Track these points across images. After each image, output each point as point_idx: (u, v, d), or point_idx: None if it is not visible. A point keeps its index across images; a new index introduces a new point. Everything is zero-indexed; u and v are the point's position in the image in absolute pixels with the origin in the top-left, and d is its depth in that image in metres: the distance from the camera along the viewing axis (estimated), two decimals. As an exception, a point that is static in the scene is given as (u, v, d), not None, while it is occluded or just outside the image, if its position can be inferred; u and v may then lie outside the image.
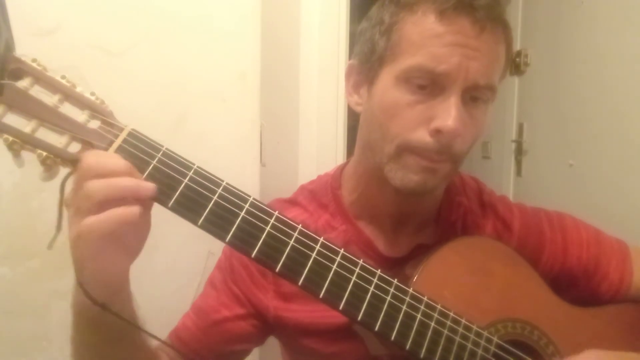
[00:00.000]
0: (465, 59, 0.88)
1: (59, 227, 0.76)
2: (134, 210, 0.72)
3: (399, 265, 1.02)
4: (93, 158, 0.72)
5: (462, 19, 0.88)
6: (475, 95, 0.92)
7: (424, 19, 0.90)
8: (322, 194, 1.11)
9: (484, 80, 0.90)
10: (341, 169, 1.15)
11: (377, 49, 0.97)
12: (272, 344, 1.17)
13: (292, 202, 1.13)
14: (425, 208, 1.09)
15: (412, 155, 0.92)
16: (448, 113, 0.88)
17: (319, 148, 1.89)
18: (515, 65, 2.82)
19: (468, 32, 0.88)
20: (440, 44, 0.89)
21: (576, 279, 1.12)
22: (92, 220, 0.71)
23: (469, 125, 0.91)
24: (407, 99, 0.92)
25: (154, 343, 0.92)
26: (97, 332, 0.83)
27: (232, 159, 1.58)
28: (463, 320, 0.89)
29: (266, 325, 1.07)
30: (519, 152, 2.95)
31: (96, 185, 0.71)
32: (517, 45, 2.84)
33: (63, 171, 0.74)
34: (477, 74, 0.89)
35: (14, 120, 0.70)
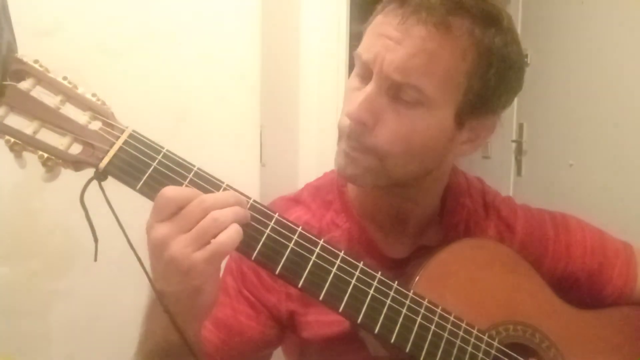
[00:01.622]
0: (384, 50, 0.87)
1: (96, 238, 0.78)
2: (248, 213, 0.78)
3: (401, 266, 1.02)
4: (212, 196, 0.76)
5: (396, 10, 0.88)
6: (400, 94, 0.89)
7: (379, 11, 0.93)
8: (327, 191, 1.11)
9: (400, 76, 0.86)
10: None
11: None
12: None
13: (296, 200, 1.12)
14: (422, 209, 1.08)
15: (340, 139, 0.95)
16: (356, 99, 0.89)
17: (319, 148, 1.90)
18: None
19: (394, 23, 0.87)
20: (371, 34, 0.91)
21: (579, 282, 1.12)
22: (224, 236, 0.73)
23: (389, 122, 0.90)
24: (351, 85, 0.94)
25: None
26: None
27: (232, 159, 1.58)
28: (463, 324, 0.89)
29: (282, 325, 1.06)
30: (519, 152, 2.95)
31: (226, 212, 0.74)
32: (517, 46, 2.85)
33: (64, 172, 0.74)
34: (390, 66, 0.86)
35: (15, 121, 0.70)
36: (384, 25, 0.88)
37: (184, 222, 0.73)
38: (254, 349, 1.06)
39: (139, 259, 0.76)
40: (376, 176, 0.95)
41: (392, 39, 0.87)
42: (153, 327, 0.86)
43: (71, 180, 0.75)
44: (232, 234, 0.74)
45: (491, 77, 0.92)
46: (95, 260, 0.76)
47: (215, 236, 0.73)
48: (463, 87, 0.91)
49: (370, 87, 0.89)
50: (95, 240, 0.77)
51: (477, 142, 1.02)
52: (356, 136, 0.91)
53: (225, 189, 0.79)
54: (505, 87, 0.96)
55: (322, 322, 1.01)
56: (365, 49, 0.90)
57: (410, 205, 1.05)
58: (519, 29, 2.89)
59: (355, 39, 2.01)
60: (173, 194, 0.74)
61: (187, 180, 0.77)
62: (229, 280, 1.07)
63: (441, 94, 0.90)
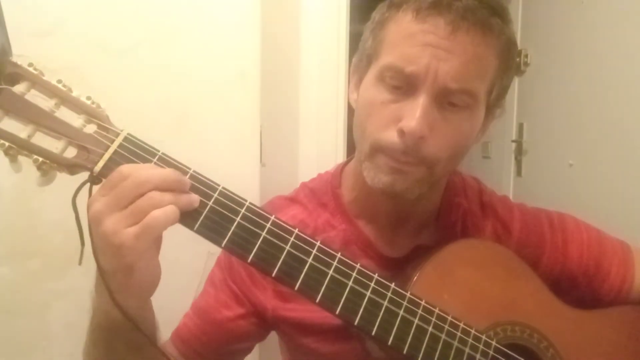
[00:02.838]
0: (435, 60, 0.86)
1: (83, 242, 0.78)
2: (193, 197, 0.77)
3: (398, 266, 1.03)
4: (144, 171, 0.74)
5: (437, 18, 0.86)
6: (451, 101, 0.90)
7: (403, 18, 0.90)
8: (322, 193, 1.11)
9: (456, 84, 0.88)
10: (342, 167, 1.14)
11: (366, 47, 0.98)
12: (272, 342, 1.17)
13: (292, 199, 1.13)
14: (422, 209, 1.08)
15: (382, 155, 0.92)
16: (412, 114, 0.87)
17: (319, 148, 1.89)
18: (515, 65, 2.82)
19: (440, 32, 0.86)
20: (411, 44, 0.88)
21: (577, 281, 1.12)
22: (159, 212, 0.72)
23: (440, 130, 0.90)
24: (382, 98, 0.92)
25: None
26: (125, 342, 0.86)
27: (232, 159, 1.57)
28: (461, 324, 0.89)
29: (266, 323, 1.07)
30: (519, 152, 2.96)
31: (166, 196, 0.73)
32: (516, 45, 2.85)
33: (60, 176, 0.74)
34: (447, 76, 0.87)
35: (10, 125, 0.70)
36: (427, 35, 0.87)
37: (118, 198, 0.72)
38: (230, 341, 1.06)
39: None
40: (423, 185, 0.95)
41: (441, 48, 0.86)
42: (98, 302, 0.85)
43: (71, 180, 0.76)
44: (167, 211, 0.73)
45: (512, 68, 0.97)
46: (80, 263, 0.76)
47: (150, 209, 0.72)
48: (498, 83, 0.95)
49: (423, 99, 0.88)
50: (82, 243, 0.77)
51: (485, 128, 1.03)
52: (412, 150, 0.90)
53: (221, 192, 0.79)
54: (514, 75, 1.00)
55: (315, 317, 1.01)
56: (407, 61, 0.88)
57: (412, 207, 1.05)
58: (519, 29, 2.91)
59: (355, 39, 2.01)
60: (123, 169, 0.74)
61: (183, 183, 0.77)
62: (216, 271, 1.09)
63: (484, 94, 0.93)
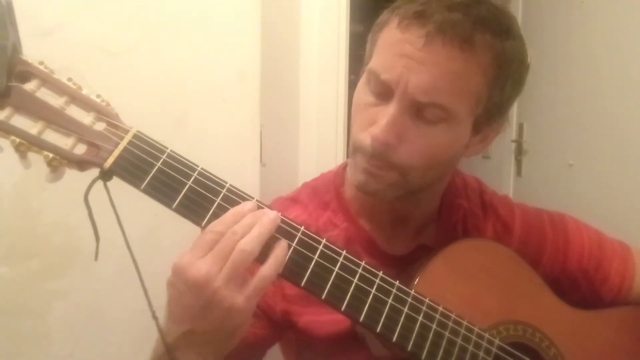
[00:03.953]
0: (407, 71, 0.85)
1: (97, 237, 0.78)
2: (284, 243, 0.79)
3: (400, 264, 1.03)
4: (226, 222, 0.75)
5: (416, 29, 0.85)
6: (423, 113, 0.89)
7: (391, 24, 0.90)
8: (325, 191, 1.11)
9: (426, 98, 0.86)
10: (345, 165, 1.14)
11: (366, 50, 0.98)
12: (275, 351, 1.16)
13: (293, 200, 1.12)
14: (422, 211, 1.08)
15: (359, 155, 0.94)
16: (380, 122, 0.88)
17: (319, 148, 1.90)
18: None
19: (416, 43, 0.85)
20: (391, 52, 0.88)
21: (577, 281, 1.12)
22: (268, 268, 0.76)
23: (411, 139, 0.89)
24: (366, 100, 0.93)
25: None
26: None
27: (232, 159, 1.57)
28: (465, 322, 0.89)
29: (276, 326, 1.05)
30: (519, 152, 2.96)
31: (252, 242, 0.75)
32: (516, 45, 2.85)
33: (69, 172, 0.74)
34: (416, 89, 0.85)
35: (21, 122, 0.70)
36: (404, 45, 0.86)
37: (221, 257, 0.73)
38: (246, 351, 1.03)
39: (137, 267, 0.77)
40: (397, 189, 0.96)
41: (415, 59, 0.85)
42: None
43: (71, 180, 0.76)
44: (272, 264, 0.76)
45: (509, 86, 0.94)
46: (96, 259, 0.77)
47: (246, 266, 0.74)
48: (484, 100, 0.92)
49: (393, 108, 0.88)
50: (97, 239, 0.77)
51: (486, 142, 1.03)
52: (380, 156, 0.90)
53: (229, 189, 0.79)
54: (518, 90, 0.98)
55: (321, 322, 1.01)
56: (384, 69, 0.88)
57: (412, 207, 1.06)
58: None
59: (355, 39, 2.02)
60: (218, 227, 0.75)
61: (191, 180, 0.77)
62: None
63: (463, 109, 0.91)
